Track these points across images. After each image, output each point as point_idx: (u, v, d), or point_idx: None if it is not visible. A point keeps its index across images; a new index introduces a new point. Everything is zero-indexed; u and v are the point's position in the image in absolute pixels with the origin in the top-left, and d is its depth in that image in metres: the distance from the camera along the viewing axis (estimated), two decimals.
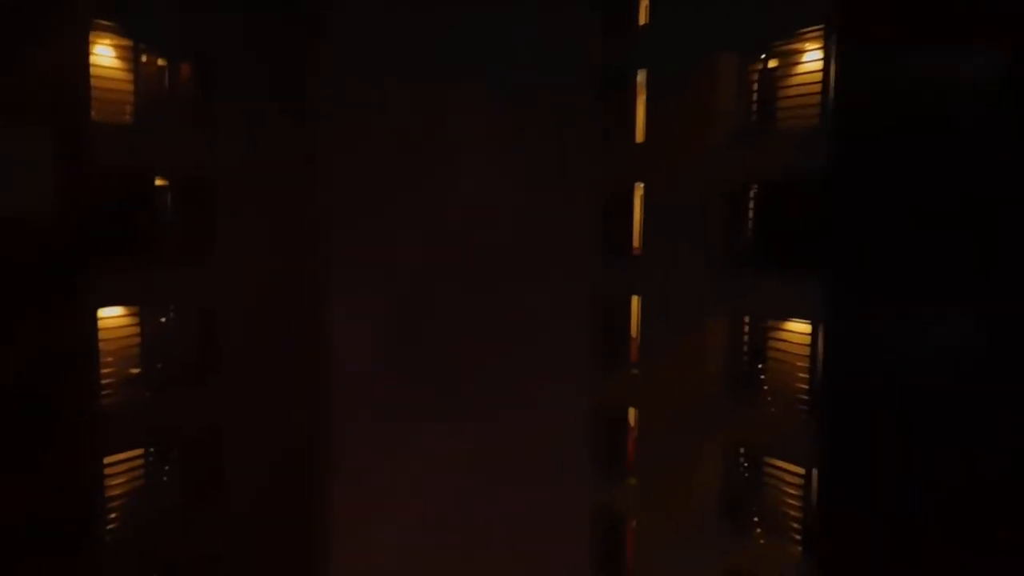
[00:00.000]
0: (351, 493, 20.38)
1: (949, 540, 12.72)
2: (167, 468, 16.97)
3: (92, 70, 14.54)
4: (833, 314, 14.68)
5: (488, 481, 20.31)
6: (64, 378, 14.29)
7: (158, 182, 16.34)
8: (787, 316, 16.20)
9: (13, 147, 13.10)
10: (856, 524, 14.15)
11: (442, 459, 20.47)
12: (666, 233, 18.47)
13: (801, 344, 15.87)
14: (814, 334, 15.54)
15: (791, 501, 16.12)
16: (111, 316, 15.80)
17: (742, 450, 17.13)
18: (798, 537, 15.89)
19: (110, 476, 15.78)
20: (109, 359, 15.78)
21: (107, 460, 15.60)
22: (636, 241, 19.62)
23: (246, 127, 16.79)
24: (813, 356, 15.54)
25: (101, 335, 15.37)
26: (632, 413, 20.06)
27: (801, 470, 15.90)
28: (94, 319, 15.07)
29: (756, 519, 16.81)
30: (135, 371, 16.31)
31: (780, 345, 16.49)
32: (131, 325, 16.22)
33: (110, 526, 15.93)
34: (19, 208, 13.29)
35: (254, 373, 18.03)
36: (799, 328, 15.99)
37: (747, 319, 17.06)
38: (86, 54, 14.31)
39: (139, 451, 16.52)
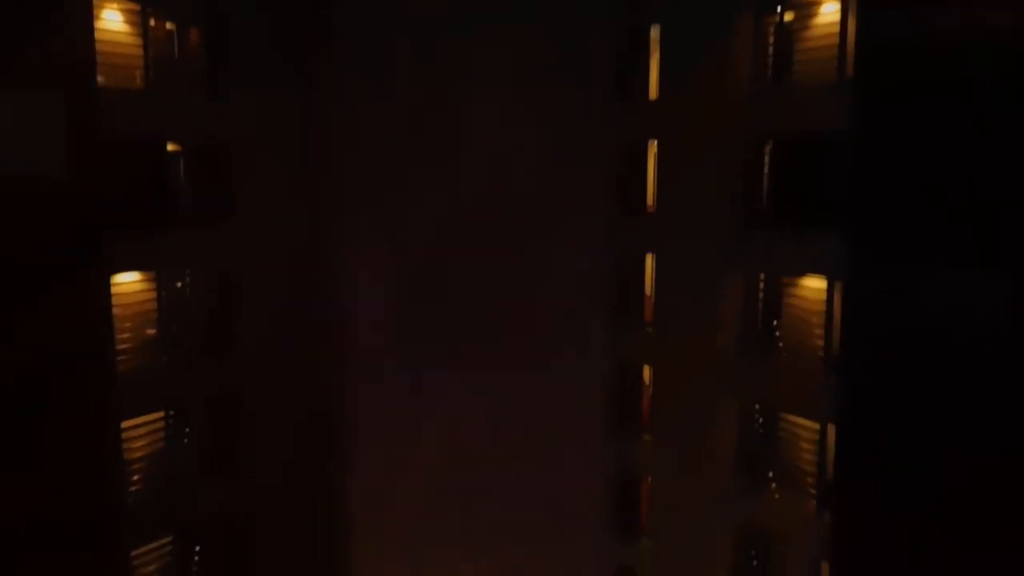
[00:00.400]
0: (370, 454, 20.61)
1: (964, 494, 12.79)
2: (187, 432, 17.15)
3: (100, 35, 14.43)
4: (850, 271, 14.62)
5: (504, 439, 20.51)
6: (81, 343, 14.34)
7: (170, 147, 16.29)
8: (803, 273, 16.14)
9: (22, 111, 13.04)
10: (871, 479, 14.25)
11: (459, 418, 20.65)
12: (681, 191, 18.35)
13: (817, 301, 15.84)
14: (830, 291, 15.50)
15: (806, 456, 16.22)
16: (127, 282, 15.88)
17: (757, 407, 17.19)
18: (813, 492, 16.01)
19: (129, 440, 15.97)
20: (126, 324, 15.88)
21: (125, 424, 15.77)
22: (650, 199, 19.51)
23: (259, 92, 16.68)
24: (829, 313, 15.52)
25: (117, 300, 15.45)
26: (647, 371, 20.13)
27: (816, 426, 15.97)
28: (109, 284, 15.13)
29: (771, 475, 16.93)
30: (152, 336, 16.42)
31: (796, 302, 16.46)
32: (148, 290, 16.30)
33: (132, 488, 16.18)
34: (31, 173, 13.26)
35: (273, 337, 18.12)
36: (815, 285, 15.94)
37: (762, 277, 17.01)
38: (91, 18, 14.18)
39: (158, 415, 16.70)
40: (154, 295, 16.40)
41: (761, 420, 17.15)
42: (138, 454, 16.31)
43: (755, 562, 17.19)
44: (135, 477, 16.27)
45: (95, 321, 14.32)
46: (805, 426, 16.24)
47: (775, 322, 16.89)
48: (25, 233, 13.39)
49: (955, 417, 12.95)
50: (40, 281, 13.66)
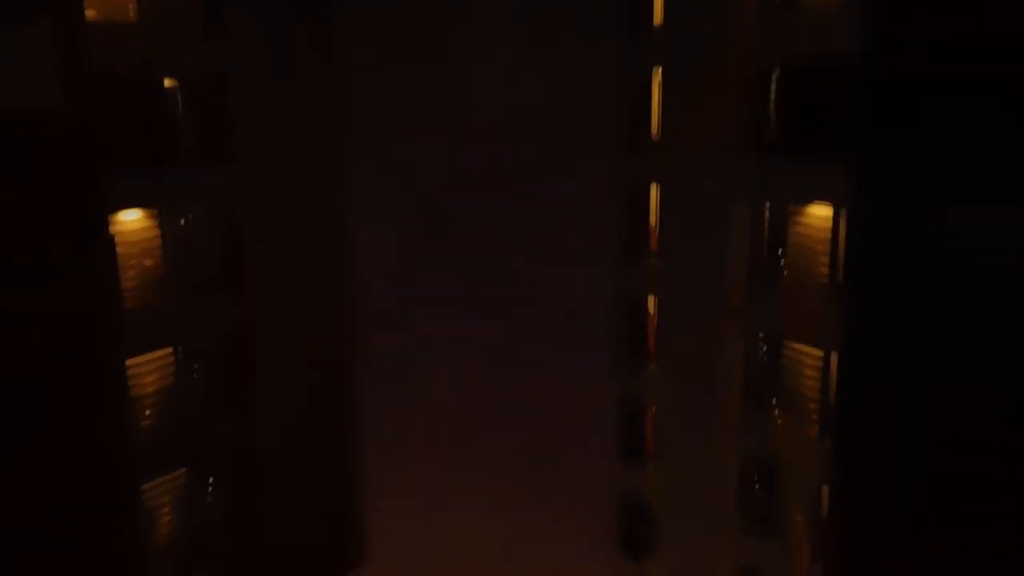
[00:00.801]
0: (380, 384, 20.87)
1: (967, 420, 12.89)
2: (196, 368, 17.34)
3: None
4: (856, 198, 14.48)
5: (512, 369, 20.72)
6: (84, 281, 14.34)
7: (167, 83, 16.09)
8: (809, 201, 16.00)
9: (8, 46, 12.83)
10: (874, 406, 14.36)
11: (469, 350, 20.85)
12: (686, 119, 18.08)
13: (822, 229, 15.73)
14: (836, 219, 15.38)
15: (810, 384, 16.32)
16: (131, 220, 15.89)
17: (762, 335, 17.24)
18: (816, 419, 16.16)
19: (138, 376, 16.18)
20: (131, 262, 15.95)
21: (134, 361, 15.96)
22: (655, 129, 19.25)
23: (259, 25, 16.40)
24: (834, 241, 15.43)
25: (121, 239, 15.51)
26: (652, 301, 20.15)
27: (820, 353, 16.03)
28: (109, 221, 15.13)
29: (775, 402, 17.07)
30: (159, 274, 16.49)
31: (801, 231, 16.35)
32: (152, 228, 16.31)
33: (144, 423, 16.46)
34: (22, 108, 13.10)
35: (280, 274, 18.19)
36: (821, 213, 15.81)
37: (768, 205, 16.87)
38: None
39: (167, 351, 16.87)
40: (158, 233, 16.43)
41: (766, 348, 17.22)
42: (148, 390, 16.54)
43: (758, 487, 17.46)
44: (147, 412, 16.53)
45: (96, 258, 14.27)
46: (809, 354, 16.29)
47: (780, 251, 16.81)
48: (22, 170, 13.29)
49: (960, 345, 12.96)
50: (39, 218, 13.57)
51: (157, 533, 16.94)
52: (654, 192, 19.56)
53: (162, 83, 16.02)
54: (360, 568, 21.70)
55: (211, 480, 17.87)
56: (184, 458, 17.34)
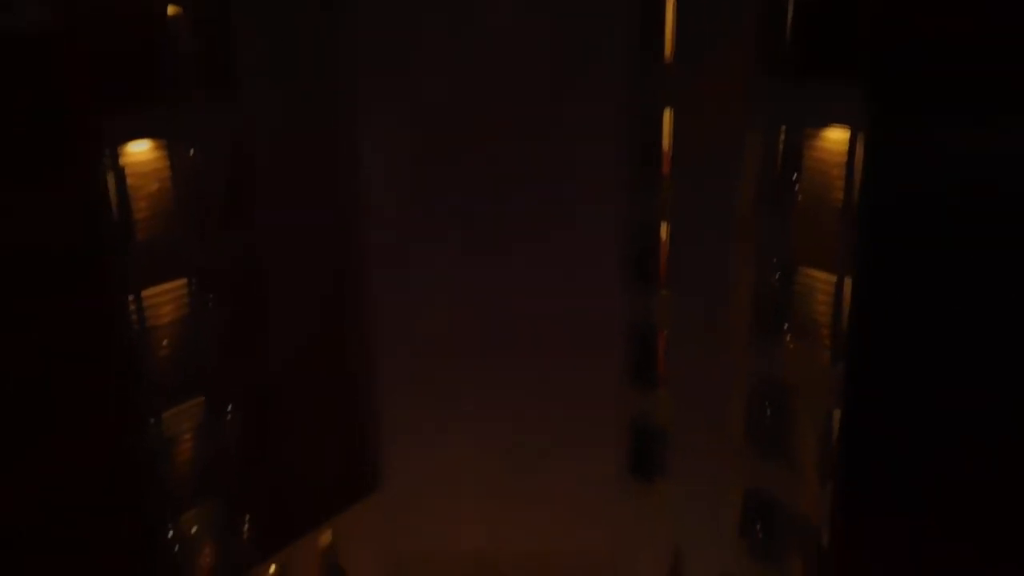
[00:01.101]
0: (391, 314, 20.97)
1: (979, 344, 12.86)
2: (210, 298, 17.45)
3: None
4: (873, 121, 14.19)
5: (524, 295, 20.74)
6: (93, 215, 14.30)
7: (171, 10, 15.79)
8: (825, 124, 15.69)
9: None
10: (886, 330, 14.34)
11: (480, 278, 20.85)
12: (700, 40, 17.64)
13: (838, 153, 15.46)
14: (852, 143, 15.09)
15: (822, 309, 16.28)
16: (139, 151, 15.79)
17: (775, 260, 17.14)
18: (828, 344, 16.17)
19: (153, 307, 16.31)
20: (141, 193, 15.91)
21: (147, 292, 16.07)
22: (668, 50, 18.79)
23: None
24: (850, 166, 15.18)
25: (130, 170, 15.44)
26: (664, 227, 20.01)
27: (833, 278, 15.95)
28: (119, 152, 15.04)
29: (787, 327, 17.07)
30: (169, 205, 16.46)
31: (817, 155, 16.08)
32: (160, 159, 16.22)
33: (160, 353, 16.66)
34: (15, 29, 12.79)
35: (288, 204, 18.13)
36: (837, 137, 15.52)
37: (783, 128, 16.56)
38: None
39: (181, 282, 16.96)
40: (168, 164, 16.34)
41: (778, 273, 17.13)
42: (164, 321, 16.69)
43: (769, 412, 17.60)
44: (163, 343, 16.71)
45: (97, 190, 14.15)
46: (822, 279, 16.21)
47: (795, 175, 16.57)
48: (17, 93, 13.06)
49: (977, 270, 12.85)
50: (38, 148, 13.38)
51: (176, 460, 17.33)
52: (667, 116, 19.24)
53: (166, 11, 15.72)
54: (374, 493, 22.19)
55: (228, 408, 18.15)
56: (201, 387, 17.61)
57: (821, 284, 16.24)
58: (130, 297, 15.66)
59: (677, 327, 19.77)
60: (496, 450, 21.61)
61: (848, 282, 15.48)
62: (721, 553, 19.00)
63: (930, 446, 13.40)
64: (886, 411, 14.42)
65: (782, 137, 16.52)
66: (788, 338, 17.03)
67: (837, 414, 15.84)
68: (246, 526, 18.81)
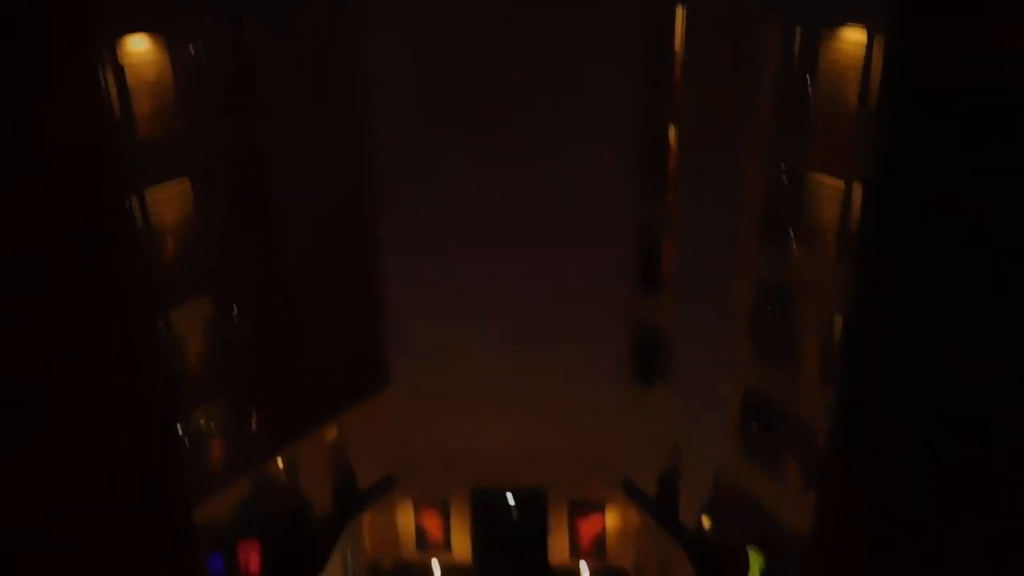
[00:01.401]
0: (400, 215, 20.88)
1: (983, 245, 12.74)
2: (214, 196, 17.35)
3: None
4: (893, 20, 13.76)
5: (532, 201, 20.63)
6: (91, 110, 13.87)
7: None
8: (842, 23, 15.23)
9: None
10: (896, 235, 14.25)
11: (489, 181, 20.68)
12: None
13: (855, 56, 15.07)
14: (870, 44, 14.69)
15: (829, 215, 16.19)
16: (138, 48, 15.42)
17: (784, 164, 16.95)
18: (834, 250, 16.15)
19: (156, 204, 16.20)
20: (142, 89, 15.61)
21: (151, 190, 15.93)
22: None
23: None
24: (867, 68, 14.81)
25: (131, 69, 15.10)
26: (672, 132, 19.72)
27: (842, 184, 15.80)
28: (116, 52, 14.65)
29: (793, 232, 17.01)
30: (170, 101, 16.18)
31: (832, 56, 15.68)
32: (159, 56, 15.86)
33: (167, 250, 16.67)
34: None
35: (294, 101, 17.81)
36: (854, 37, 15.10)
37: (799, 29, 16.11)
38: None
39: (184, 180, 16.84)
40: (167, 62, 15.99)
41: (787, 178, 16.97)
42: (168, 219, 16.63)
43: (772, 315, 17.73)
44: (168, 241, 16.70)
45: (97, 89, 13.74)
46: (831, 185, 16.06)
47: (809, 76, 16.20)
48: None
49: (997, 179, 12.61)
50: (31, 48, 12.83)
51: (185, 360, 17.55)
52: (679, 15, 18.70)
53: None
54: (382, 391, 22.56)
55: (235, 307, 18.27)
56: (208, 286, 17.68)
57: (830, 190, 16.10)
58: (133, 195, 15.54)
59: (684, 230, 19.71)
60: (502, 351, 21.87)
61: (858, 188, 15.34)
62: (718, 451, 19.47)
63: (932, 353, 13.48)
64: (889, 317, 14.48)
65: (798, 36, 16.09)
66: (794, 243, 16.99)
67: (839, 319, 15.95)
68: (255, 422, 19.18)
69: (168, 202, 16.55)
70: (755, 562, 18.12)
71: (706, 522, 20.15)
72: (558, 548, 24.61)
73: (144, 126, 15.53)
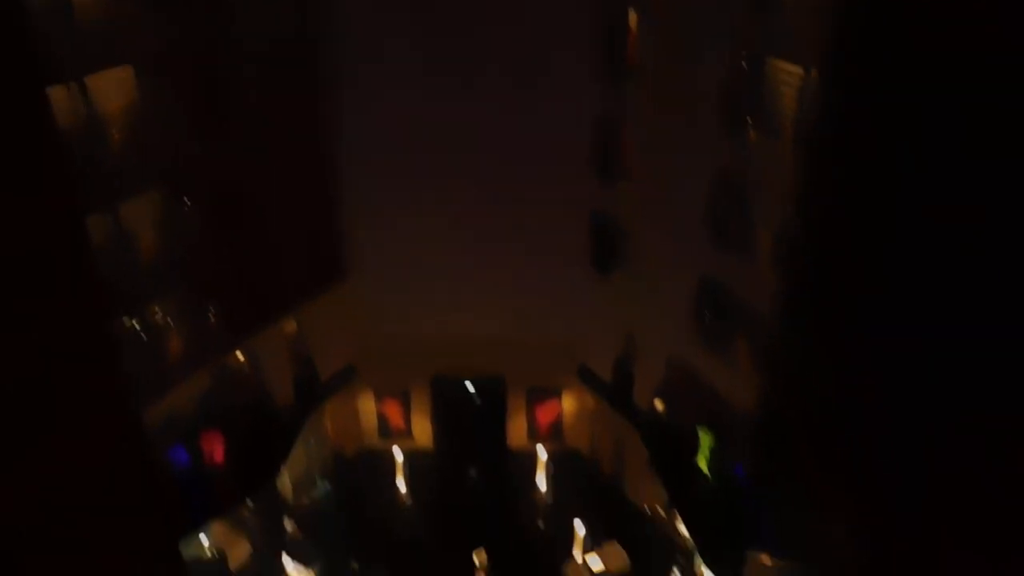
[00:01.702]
0: (357, 110, 20.45)
1: (953, 139, 12.79)
2: (159, 86, 16.74)
3: None
4: None
5: (490, 89, 20.31)
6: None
7: None
8: None
9: None
10: (852, 126, 14.27)
11: (445, 66, 20.25)
12: None
13: None
14: None
15: (788, 103, 16.14)
16: None
17: (743, 50, 16.74)
18: (791, 139, 16.17)
19: (97, 92, 15.61)
20: None
21: (91, 78, 15.31)
22: None
23: None
24: None
25: None
26: (632, 15, 19.30)
27: (800, 71, 15.70)
28: None
29: (750, 121, 16.97)
30: None
31: None
32: None
33: (112, 144, 16.17)
34: None
35: None
36: None
37: None
38: None
39: (127, 68, 16.21)
40: None
41: (746, 64, 16.80)
42: (111, 107, 16.06)
43: (728, 205, 17.85)
44: (112, 132, 16.18)
45: None
46: (790, 71, 15.95)
47: None
48: None
49: (960, 67, 12.48)
50: None
51: (138, 251, 17.28)
52: None
53: None
54: (343, 282, 22.55)
55: (187, 199, 17.91)
56: (158, 178, 17.28)
57: (788, 76, 16.00)
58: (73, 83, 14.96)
59: (641, 117, 19.56)
60: (461, 241, 21.87)
61: (815, 75, 15.26)
62: (672, 337, 19.92)
63: (883, 240, 13.69)
64: (841, 204, 14.64)
65: None
66: (751, 132, 16.98)
67: (791, 207, 16.11)
68: (212, 315, 19.10)
69: (109, 90, 15.94)
70: (705, 441, 18.82)
71: (659, 405, 20.78)
72: (517, 433, 25.32)
73: (81, 8, 14.79)
